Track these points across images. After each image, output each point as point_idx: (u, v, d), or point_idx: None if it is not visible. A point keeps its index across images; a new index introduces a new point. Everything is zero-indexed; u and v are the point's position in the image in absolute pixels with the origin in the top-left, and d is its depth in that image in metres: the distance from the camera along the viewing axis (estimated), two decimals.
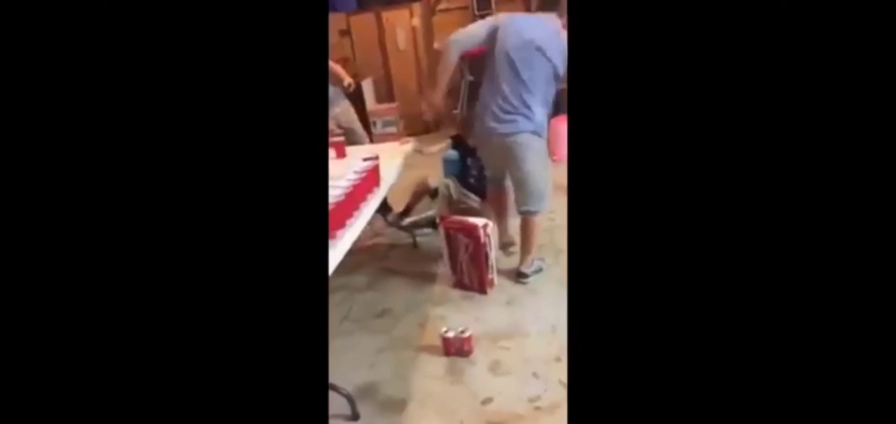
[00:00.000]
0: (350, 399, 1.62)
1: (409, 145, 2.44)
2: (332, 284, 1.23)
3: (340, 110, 2.89)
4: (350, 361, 1.88)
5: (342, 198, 1.42)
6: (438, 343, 1.86)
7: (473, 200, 2.62)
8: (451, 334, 1.83)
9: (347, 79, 2.93)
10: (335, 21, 4.88)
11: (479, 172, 2.60)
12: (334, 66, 2.92)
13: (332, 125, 2.57)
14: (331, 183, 1.49)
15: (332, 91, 2.78)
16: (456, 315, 2.08)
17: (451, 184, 2.69)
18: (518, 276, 2.25)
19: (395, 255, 2.77)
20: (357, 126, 2.96)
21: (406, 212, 2.88)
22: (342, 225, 1.40)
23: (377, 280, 2.50)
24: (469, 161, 2.65)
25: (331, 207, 1.35)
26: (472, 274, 2.23)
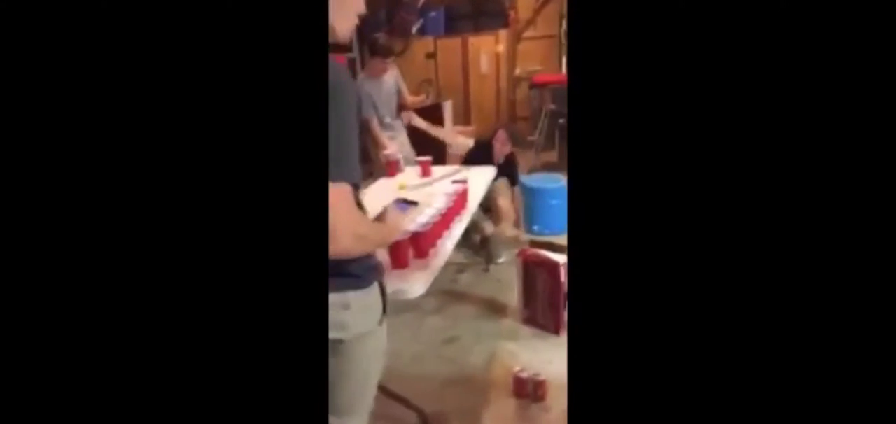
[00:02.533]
0: (422, 416, 1.57)
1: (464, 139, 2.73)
2: (407, 303, 1.19)
3: (403, 140, 3.24)
4: (418, 389, 1.83)
5: (436, 218, 1.39)
6: (509, 380, 1.78)
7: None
8: (525, 374, 1.74)
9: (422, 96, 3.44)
10: (423, 44, 5.00)
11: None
12: (413, 100, 3.35)
13: (395, 150, 2.72)
14: (423, 203, 1.47)
15: (398, 123, 3.10)
16: (527, 353, 1.99)
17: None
18: None
19: (466, 279, 2.72)
20: (412, 156, 3.23)
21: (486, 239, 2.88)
22: (433, 245, 1.36)
23: (446, 304, 2.45)
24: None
25: (423, 230, 1.32)
26: (546, 313, 2.13)
